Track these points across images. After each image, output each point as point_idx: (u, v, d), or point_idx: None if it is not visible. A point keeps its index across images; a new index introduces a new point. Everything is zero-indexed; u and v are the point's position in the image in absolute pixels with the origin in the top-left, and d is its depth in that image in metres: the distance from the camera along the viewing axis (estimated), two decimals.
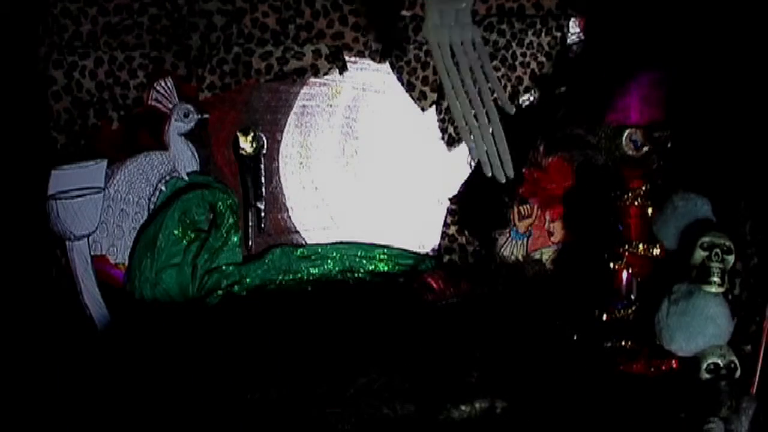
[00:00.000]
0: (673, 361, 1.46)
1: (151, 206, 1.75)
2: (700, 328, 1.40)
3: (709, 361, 1.39)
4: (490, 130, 1.33)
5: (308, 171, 1.81)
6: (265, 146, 1.78)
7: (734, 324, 1.42)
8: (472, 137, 1.32)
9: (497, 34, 1.76)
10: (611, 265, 1.59)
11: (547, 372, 1.42)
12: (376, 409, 1.32)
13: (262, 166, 1.79)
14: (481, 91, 1.32)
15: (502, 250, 1.78)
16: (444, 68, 1.33)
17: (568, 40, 1.76)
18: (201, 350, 1.51)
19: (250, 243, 1.80)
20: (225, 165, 1.79)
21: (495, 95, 1.35)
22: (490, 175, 1.33)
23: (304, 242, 1.82)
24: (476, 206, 1.79)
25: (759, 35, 1.49)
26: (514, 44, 1.77)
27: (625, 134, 1.59)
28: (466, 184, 1.80)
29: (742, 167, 1.52)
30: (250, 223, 1.80)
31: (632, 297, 1.58)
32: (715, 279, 1.40)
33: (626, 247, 1.58)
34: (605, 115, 1.60)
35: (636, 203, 1.58)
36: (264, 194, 1.79)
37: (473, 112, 1.32)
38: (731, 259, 1.41)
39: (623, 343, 1.52)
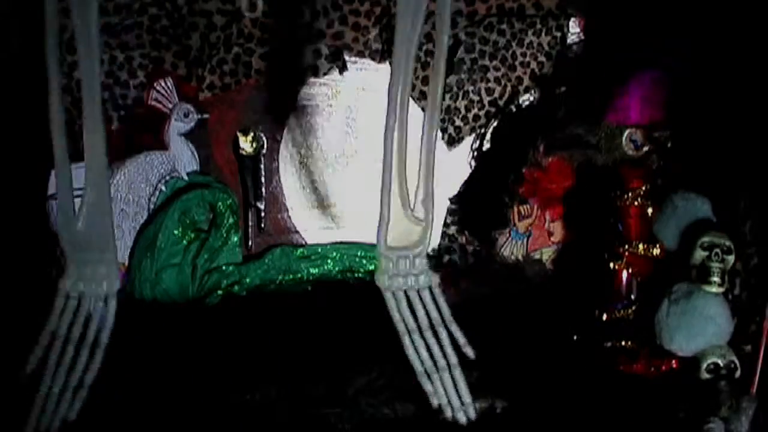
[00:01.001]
0: (673, 361, 1.46)
1: (151, 206, 1.75)
2: (700, 328, 1.40)
3: (709, 361, 1.39)
4: (450, 373, 1.24)
5: (308, 171, 1.81)
6: (265, 146, 1.78)
7: (734, 324, 1.42)
8: (431, 383, 1.24)
9: (497, 34, 1.76)
10: (611, 265, 1.59)
11: (547, 372, 1.42)
12: (376, 409, 1.32)
13: (262, 166, 1.79)
14: (438, 332, 1.23)
15: (502, 250, 1.78)
16: (400, 318, 1.24)
17: (568, 40, 1.76)
18: (201, 350, 1.51)
19: (250, 243, 1.80)
20: (225, 165, 1.79)
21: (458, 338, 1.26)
22: (450, 418, 1.24)
23: (304, 242, 1.82)
24: (476, 206, 1.79)
25: (759, 35, 1.49)
26: (514, 44, 1.77)
27: (625, 134, 1.59)
28: (466, 184, 1.80)
29: (742, 167, 1.52)
30: (250, 223, 1.80)
31: (632, 297, 1.58)
32: (715, 279, 1.40)
33: (626, 247, 1.58)
34: (605, 115, 1.60)
35: (636, 203, 1.58)
36: (264, 194, 1.79)
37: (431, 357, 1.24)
38: (731, 259, 1.41)
39: (623, 343, 1.52)
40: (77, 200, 1.61)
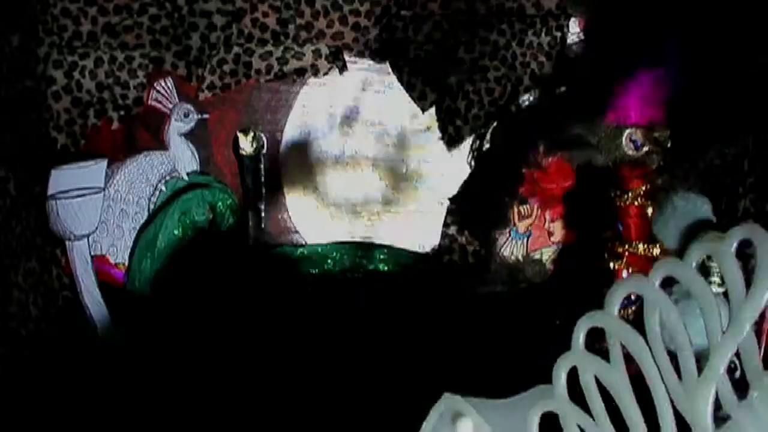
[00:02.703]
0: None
1: (151, 206, 1.75)
2: (700, 329, 1.40)
3: None
4: None
5: (308, 171, 1.81)
6: (265, 146, 1.78)
7: None
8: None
9: (497, 34, 1.76)
10: (611, 265, 1.59)
11: (547, 372, 1.42)
12: (378, 406, 1.32)
13: (262, 166, 1.79)
14: None
15: (502, 250, 1.78)
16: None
17: (568, 40, 1.76)
18: (201, 350, 1.51)
19: (250, 243, 1.80)
20: (225, 165, 1.79)
21: None
22: None
23: (304, 242, 1.82)
24: (476, 206, 1.79)
25: (759, 35, 1.49)
26: (514, 44, 1.77)
27: (625, 134, 1.59)
28: (466, 184, 1.80)
29: (742, 167, 1.52)
30: (250, 223, 1.80)
31: (632, 297, 1.58)
32: (715, 279, 1.40)
33: (626, 247, 1.58)
34: (605, 115, 1.60)
35: (636, 203, 1.58)
36: (264, 194, 1.79)
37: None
38: None
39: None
40: (78, 200, 1.65)
